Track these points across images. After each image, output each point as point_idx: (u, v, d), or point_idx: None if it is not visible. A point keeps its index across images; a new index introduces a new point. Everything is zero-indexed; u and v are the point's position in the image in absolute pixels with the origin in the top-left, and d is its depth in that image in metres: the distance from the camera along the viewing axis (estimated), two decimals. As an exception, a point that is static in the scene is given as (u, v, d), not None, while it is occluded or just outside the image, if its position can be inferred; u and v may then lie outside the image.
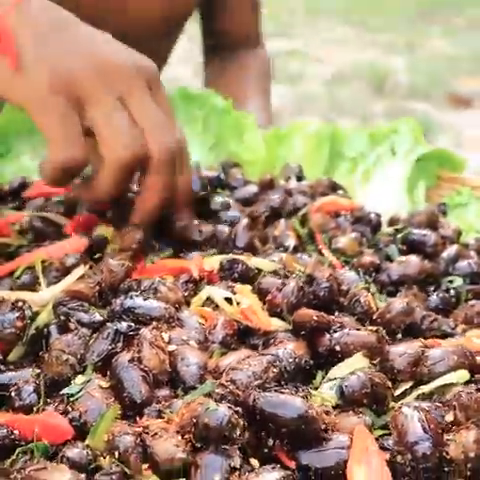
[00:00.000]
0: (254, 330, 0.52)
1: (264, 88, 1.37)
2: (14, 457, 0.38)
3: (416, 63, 4.98)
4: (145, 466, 0.38)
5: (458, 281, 0.61)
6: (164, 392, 0.44)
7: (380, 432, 0.42)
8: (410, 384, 0.47)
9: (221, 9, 1.34)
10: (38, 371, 0.47)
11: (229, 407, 0.39)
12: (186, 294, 0.56)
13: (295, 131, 0.96)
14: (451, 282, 0.62)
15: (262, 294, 0.55)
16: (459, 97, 3.70)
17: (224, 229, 0.69)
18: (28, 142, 0.93)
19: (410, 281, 0.60)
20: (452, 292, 0.60)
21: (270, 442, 0.40)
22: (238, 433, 0.38)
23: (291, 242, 0.68)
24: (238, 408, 0.39)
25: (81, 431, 0.40)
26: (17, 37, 0.62)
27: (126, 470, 0.37)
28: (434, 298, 0.58)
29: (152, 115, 0.64)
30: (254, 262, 0.60)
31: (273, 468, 0.38)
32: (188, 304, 0.55)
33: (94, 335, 0.49)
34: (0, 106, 0.89)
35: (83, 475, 0.36)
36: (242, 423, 0.39)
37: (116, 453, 0.38)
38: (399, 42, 6.03)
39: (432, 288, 0.61)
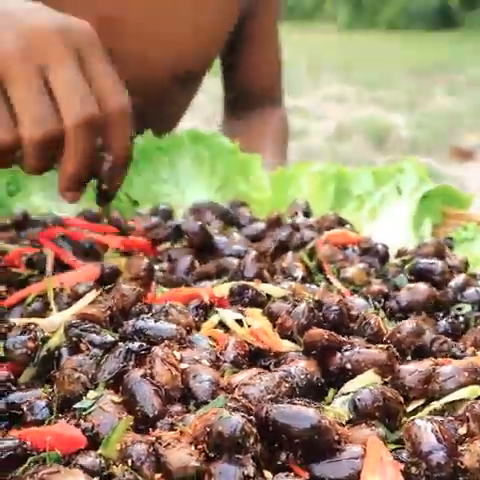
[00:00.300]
0: (265, 351, 0.52)
1: (283, 148, 1.39)
2: (26, 465, 0.38)
3: (417, 119, 5.05)
4: (158, 475, 0.38)
5: (467, 308, 0.62)
6: (176, 408, 0.44)
7: (393, 446, 0.42)
8: (422, 402, 0.46)
9: (246, 64, 1.36)
10: (50, 390, 0.47)
11: (242, 416, 0.39)
12: (197, 319, 0.57)
13: (301, 171, 0.98)
14: (460, 309, 0.62)
15: (272, 318, 0.56)
16: (461, 150, 3.74)
17: (233, 261, 0.70)
18: (38, 182, 0.94)
19: (419, 307, 0.60)
20: (461, 318, 0.60)
21: (283, 455, 0.40)
22: (251, 441, 0.38)
23: (299, 273, 0.69)
24: (251, 417, 0.39)
25: (93, 441, 0.40)
26: None
27: (139, 478, 0.37)
28: (443, 323, 0.58)
29: (67, 84, 0.64)
30: (264, 288, 0.61)
31: (287, 476, 0.37)
32: (198, 329, 0.56)
33: (106, 355, 0.49)
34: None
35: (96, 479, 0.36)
36: (255, 431, 0.39)
37: (129, 461, 0.38)
38: (400, 99, 6.12)
39: (441, 314, 0.61)
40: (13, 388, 0.48)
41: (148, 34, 1.17)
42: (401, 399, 0.45)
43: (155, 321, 0.52)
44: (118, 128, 0.69)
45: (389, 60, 9.01)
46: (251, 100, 1.39)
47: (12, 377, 0.50)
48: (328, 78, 7.66)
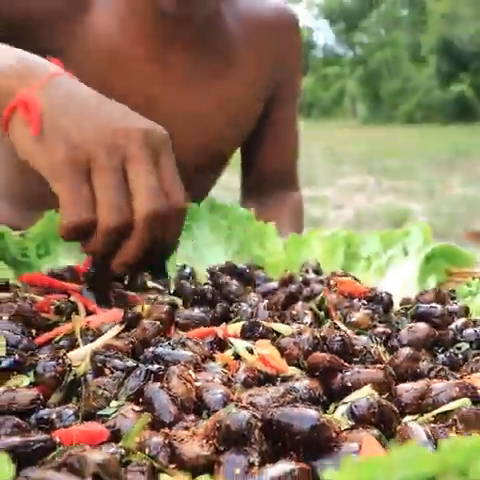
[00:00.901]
0: (273, 377, 0.56)
1: (298, 229, 1.43)
2: (53, 454, 0.42)
3: (435, 206, 5.14)
4: (172, 466, 0.42)
5: (465, 346, 0.65)
6: (190, 417, 0.48)
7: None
8: (416, 416, 0.50)
9: (267, 150, 1.43)
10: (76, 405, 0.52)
11: (248, 411, 0.43)
12: (211, 352, 0.61)
13: (313, 236, 1.04)
14: (459, 349, 0.66)
15: (280, 350, 0.60)
16: (477, 233, 3.79)
17: (247, 309, 0.75)
18: (64, 245, 1.01)
19: (419, 345, 0.64)
20: (460, 356, 0.64)
21: (286, 453, 0.44)
22: (257, 433, 0.42)
23: (308, 319, 0.73)
24: (257, 413, 0.44)
25: (115, 437, 0.45)
26: (42, 108, 0.73)
27: (155, 464, 0.41)
28: (441, 357, 0.62)
29: (144, 181, 0.72)
30: (274, 326, 0.65)
31: (289, 462, 0.41)
32: (213, 360, 0.60)
33: (127, 377, 0.54)
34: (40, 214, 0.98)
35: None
36: (260, 425, 0.43)
37: (146, 450, 0.42)
38: (418, 188, 6.24)
39: (440, 350, 0.65)
40: (42, 407, 0.53)
41: (179, 114, 1.27)
42: (395, 408, 0.49)
43: (172, 348, 0.57)
44: (176, 222, 0.77)
45: (408, 152, 9.19)
46: (268, 184, 1.46)
47: (41, 397, 0.54)
48: (348, 169, 7.82)
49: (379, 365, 0.54)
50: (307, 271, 0.91)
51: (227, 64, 1.31)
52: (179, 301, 0.79)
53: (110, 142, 0.72)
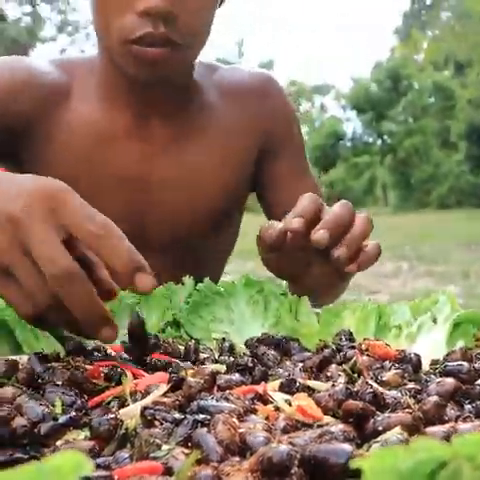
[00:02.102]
0: (310, 425, 0.60)
1: None
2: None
3: (469, 289, 5.15)
4: (220, 496, 0.46)
5: (491, 399, 0.69)
6: (235, 459, 0.53)
7: None
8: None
9: (280, 203, 1.46)
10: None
11: (289, 446, 0.48)
12: (252, 406, 0.66)
13: (345, 308, 1.09)
14: (485, 401, 0.69)
15: (316, 404, 0.65)
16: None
17: (284, 372, 0.80)
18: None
19: (447, 396, 0.68)
20: (486, 408, 0.68)
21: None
22: (296, 464, 0.47)
23: (342, 380, 0.78)
24: (296, 448, 0.48)
25: (168, 474, 0.49)
26: None
27: (205, 493, 0.46)
28: (468, 407, 0.66)
29: (41, 253, 0.73)
30: (309, 383, 0.70)
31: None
32: (254, 413, 0.65)
33: (176, 428, 0.59)
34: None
35: None
36: (299, 457, 0.47)
37: (198, 483, 0.47)
38: (453, 270, 6.25)
39: (467, 402, 0.69)
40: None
41: (171, 186, 1.37)
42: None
43: (217, 401, 0.62)
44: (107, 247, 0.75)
45: (441, 236, 9.21)
46: None
47: (97, 448, 0.59)
48: (382, 257, 7.83)
49: (408, 410, 0.58)
50: (341, 339, 0.96)
51: (208, 128, 1.40)
52: (221, 367, 0.84)
53: (8, 238, 0.74)
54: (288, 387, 0.69)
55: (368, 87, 28.70)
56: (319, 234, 0.93)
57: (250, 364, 0.85)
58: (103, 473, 0.49)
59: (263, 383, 0.74)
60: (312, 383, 0.70)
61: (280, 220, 1.46)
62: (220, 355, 0.93)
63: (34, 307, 0.77)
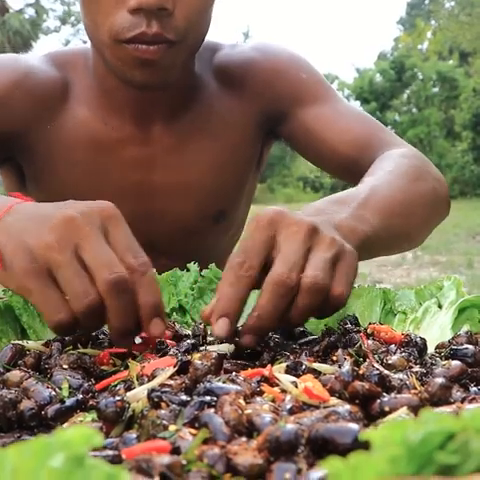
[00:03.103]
0: (316, 406, 0.61)
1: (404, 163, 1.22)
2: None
3: (473, 278, 5.15)
4: (228, 475, 0.47)
5: (497, 382, 0.69)
6: (242, 439, 0.53)
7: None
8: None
9: (322, 146, 1.33)
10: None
11: (296, 425, 0.48)
12: (258, 390, 0.66)
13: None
14: (492, 384, 0.70)
15: (323, 386, 0.65)
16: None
17: (289, 356, 0.80)
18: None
19: (453, 380, 0.68)
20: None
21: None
22: (304, 443, 0.47)
23: (348, 364, 0.78)
24: (303, 427, 0.48)
25: (176, 453, 0.49)
26: (1, 242, 0.78)
27: (213, 472, 0.46)
28: (474, 389, 0.66)
29: (93, 257, 0.75)
30: (315, 366, 0.70)
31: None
32: (260, 395, 0.65)
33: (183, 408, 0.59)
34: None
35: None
36: (306, 439, 0.48)
37: (205, 460, 0.47)
38: (458, 260, 6.25)
39: (473, 385, 0.69)
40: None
41: (175, 190, 1.34)
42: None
43: (223, 382, 0.62)
44: (143, 283, 0.78)
45: (445, 226, 9.20)
46: (356, 169, 1.25)
47: (104, 429, 0.60)
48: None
49: (414, 391, 0.58)
50: (346, 324, 0.96)
51: (210, 125, 1.35)
52: (229, 347, 0.84)
53: (59, 237, 0.75)
54: (295, 370, 0.69)
55: (372, 77, 28.62)
56: (245, 338, 0.82)
57: (258, 348, 0.85)
58: (111, 452, 0.49)
59: (269, 367, 0.74)
60: (318, 366, 0.70)
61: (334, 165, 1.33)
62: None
63: (69, 312, 0.76)
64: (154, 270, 0.81)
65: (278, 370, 0.70)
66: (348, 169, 1.32)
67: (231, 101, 1.36)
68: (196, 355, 0.78)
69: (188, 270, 1.13)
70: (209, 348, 0.81)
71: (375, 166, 1.17)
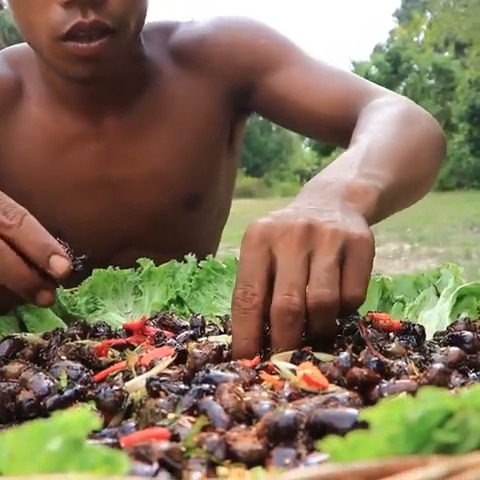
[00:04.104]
0: (315, 393, 0.60)
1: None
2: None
3: (471, 269, 5.16)
4: (227, 461, 0.47)
5: (495, 368, 0.69)
6: (241, 426, 0.53)
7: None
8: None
9: (299, 110, 1.26)
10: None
11: (295, 410, 0.48)
12: (257, 378, 0.66)
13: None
14: (490, 370, 0.70)
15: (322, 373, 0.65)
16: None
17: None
18: (113, 301, 1.07)
19: (451, 366, 0.68)
20: (491, 376, 0.68)
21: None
22: (303, 428, 0.47)
23: (346, 351, 0.78)
24: (302, 413, 0.48)
25: (175, 440, 0.49)
26: None
27: (213, 459, 0.46)
28: (473, 375, 0.66)
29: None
30: (318, 355, 0.70)
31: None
32: (260, 383, 0.65)
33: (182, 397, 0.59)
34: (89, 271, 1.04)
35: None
36: (305, 424, 0.47)
37: (204, 447, 0.47)
38: (456, 251, 6.26)
39: (471, 370, 0.69)
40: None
41: (135, 176, 1.29)
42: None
43: (222, 371, 0.62)
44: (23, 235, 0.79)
45: (443, 218, 9.22)
46: (342, 128, 1.18)
47: (103, 419, 0.60)
48: (383, 238, 7.85)
49: (413, 376, 0.58)
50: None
51: (168, 111, 1.29)
52: (227, 338, 0.84)
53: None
54: (299, 359, 0.69)
55: (368, 70, 28.60)
56: None
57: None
58: (110, 440, 0.49)
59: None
60: (318, 355, 0.70)
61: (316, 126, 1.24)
62: (225, 330, 0.93)
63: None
64: (31, 216, 0.81)
65: (277, 359, 0.70)
66: (334, 131, 1.24)
67: (190, 83, 1.30)
68: (192, 344, 0.78)
69: (185, 262, 1.12)
70: (209, 339, 0.81)
71: (363, 120, 1.10)
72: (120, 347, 0.82)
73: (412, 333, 0.80)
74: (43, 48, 1.11)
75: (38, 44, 1.12)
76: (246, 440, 0.47)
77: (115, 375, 0.72)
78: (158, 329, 0.88)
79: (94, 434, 0.56)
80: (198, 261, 1.12)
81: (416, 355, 0.73)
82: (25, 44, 1.23)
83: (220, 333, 0.87)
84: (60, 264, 0.80)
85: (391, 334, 0.82)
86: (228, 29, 1.31)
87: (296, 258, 0.72)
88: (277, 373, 0.68)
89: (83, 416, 0.30)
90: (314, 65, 1.27)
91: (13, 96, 1.27)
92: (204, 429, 0.51)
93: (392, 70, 28.18)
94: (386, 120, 1.07)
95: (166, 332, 0.87)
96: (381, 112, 1.11)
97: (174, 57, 1.31)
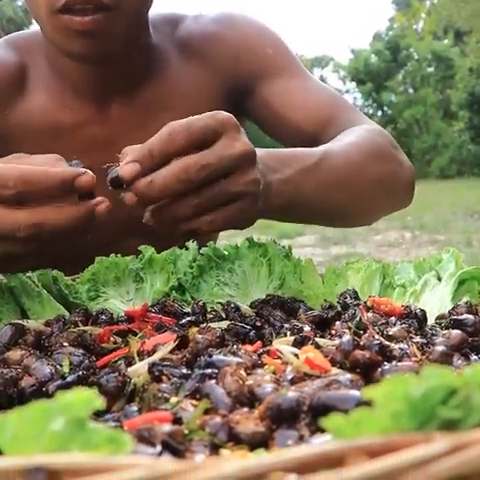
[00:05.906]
0: (318, 377, 0.61)
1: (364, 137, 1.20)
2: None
3: (472, 255, 5.16)
4: (230, 444, 0.47)
5: (497, 351, 0.69)
6: (244, 409, 0.53)
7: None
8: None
9: (283, 119, 1.30)
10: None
11: (297, 393, 0.48)
12: (260, 362, 0.66)
13: (349, 268, 1.09)
14: (492, 353, 0.70)
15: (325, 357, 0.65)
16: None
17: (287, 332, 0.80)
18: (115, 289, 1.07)
19: (453, 349, 0.68)
20: (494, 359, 0.68)
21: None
22: (305, 410, 0.47)
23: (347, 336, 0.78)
24: (304, 395, 0.48)
25: (177, 424, 0.49)
26: None
27: (215, 441, 0.46)
28: (475, 358, 0.66)
29: None
30: (319, 340, 0.70)
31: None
32: (262, 367, 0.65)
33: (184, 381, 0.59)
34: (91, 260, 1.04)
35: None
36: (308, 406, 0.48)
37: (207, 429, 0.47)
38: (456, 239, 6.25)
39: (473, 354, 0.69)
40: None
41: None
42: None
43: (224, 355, 0.62)
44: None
45: (443, 205, 9.20)
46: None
47: (106, 404, 0.60)
48: (383, 226, 7.85)
49: (415, 358, 0.58)
50: (346, 298, 0.95)
51: (172, 99, 1.30)
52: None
53: None
54: (301, 344, 0.69)
55: (367, 58, 28.49)
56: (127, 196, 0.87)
57: (258, 323, 0.85)
58: (113, 424, 0.49)
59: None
60: (320, 341, 0.70)
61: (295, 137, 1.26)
62: (226, 317, 0.93)
63: None
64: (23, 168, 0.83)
65: (279, 343, 0.70)
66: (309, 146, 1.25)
67: (195, 76, 1.32)
68: (194, 329, 0.78)
69: (187, 249, 1.12)
70: (211, 325, 0.81)
71: (337, 138, 1.13)
72: (122, 334, 0.82)
73: (413, 317, 0.80)
74: (43, 22, 1.13)
75: (40, 19, 1.14)
76: (249, 422, 0.48)
77: (117, 361, 0.72)
78: (160, 316, 0.88)
79: (97, 418, 0.56)
80: (199, 248, 1.12)
81: (418, 338, 0.73)
82: (30, 31, 1.23)
83: (221, 319, 0.87)
84: (86, 179, 0.82)
85: (392, 318, 0.82)
86: (237, 30, 1.34)
87: (227, 155, 0.83)
88: (279, 358, 0.68)
89: (86, 396, 0.30)
90: (311, 83, 1.32)
91: (18, 81, 1.27)
92: (207, 412, 0.51)
93: (391, 58, 28.07)
94: (354, 145, 1.11)
95: (167, 318, 0.87)
96: (355, 136, 1.14)
97: (180, 49, 1.32)
